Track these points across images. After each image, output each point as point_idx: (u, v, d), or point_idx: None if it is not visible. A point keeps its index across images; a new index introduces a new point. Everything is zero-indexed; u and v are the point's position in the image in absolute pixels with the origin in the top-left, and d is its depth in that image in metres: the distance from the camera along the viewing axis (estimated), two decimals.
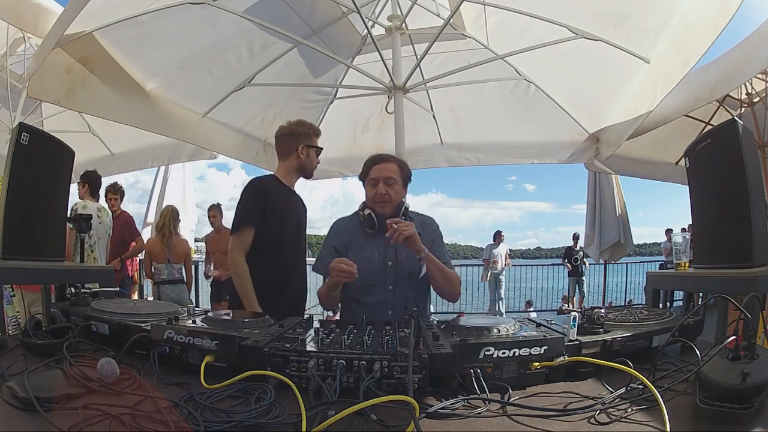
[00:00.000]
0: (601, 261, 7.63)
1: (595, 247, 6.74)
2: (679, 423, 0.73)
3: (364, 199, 1.86)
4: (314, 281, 2.16)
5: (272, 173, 2.15)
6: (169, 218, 4.40)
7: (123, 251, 4.27)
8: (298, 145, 2.06)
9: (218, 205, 4.95)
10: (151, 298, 5.01)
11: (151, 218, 6.23)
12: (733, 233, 1.32)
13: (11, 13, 3.08)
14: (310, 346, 0.97)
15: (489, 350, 0.95)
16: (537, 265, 10.77)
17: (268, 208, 1.95)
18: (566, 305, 8.29)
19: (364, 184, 1.85)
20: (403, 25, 3.06)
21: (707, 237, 1.51)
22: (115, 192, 4.36)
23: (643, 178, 4.95)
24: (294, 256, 2.08)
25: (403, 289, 1.74)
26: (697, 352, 0.95)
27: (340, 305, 1.86)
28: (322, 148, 2.13)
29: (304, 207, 2.19)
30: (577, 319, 1.07)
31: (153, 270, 4.41)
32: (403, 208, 1.77)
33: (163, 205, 5.32)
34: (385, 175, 1.77)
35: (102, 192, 4.18)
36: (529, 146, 3.80)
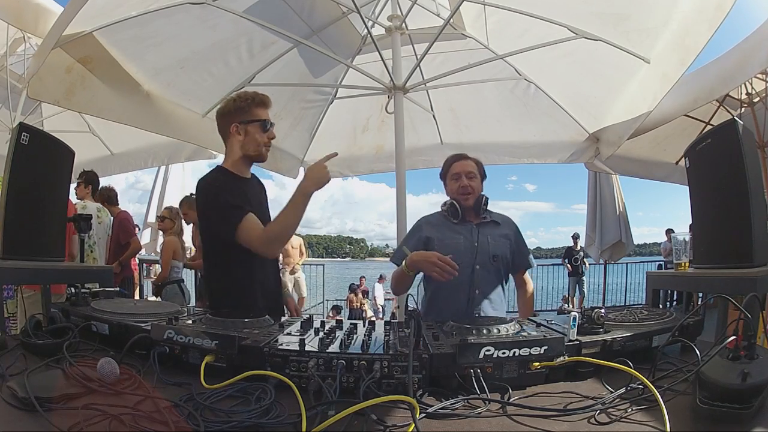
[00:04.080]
0: (601, 261, 7.63)
1: (596, 247, 6.74)
2: (679, 423, 0.73)
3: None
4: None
5: (219, 165, 1.79)
6: (177, 220, 4.33)
7: (121, 251, 4.25)
8: (230, 125, 1.70)
9: (191, 196, 4.55)
10: (152, 298, 4.99)
11: (151, 218, 6.22)
12: (733, 233, 1.32)
13: (11, 13, 3.08)
14: (310, 346, 0.97)
15: (489, 350, 0.95)
16: (537, 265, 10.74)
17: (223, 204, 1.63)
18: (566, 305, 8.29)
19: (445, 182, 2.00)
20: (403, 25, 3.06)
21: (707, 237, 1.51)
22: (111, 201, 4.27)
23: (643, 178, 4.95)
24: None
25: (487, 271, 1.87)
26: (697, 352, 0.95)
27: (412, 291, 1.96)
28: (266, 120, 1.70)
29: (262, 188, 1.87)
30: (577, 319, 1.07)
31: (172, 268, 4.28)
32: (484, 198, 1.93)
33: (164, 206, 5.28)
34: (467, 169, 1.94)
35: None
36: (529, 146, 3.80)
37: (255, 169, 1.82)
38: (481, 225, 1.95)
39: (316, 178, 1.56)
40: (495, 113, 3.76)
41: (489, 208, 1.99)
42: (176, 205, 4.69)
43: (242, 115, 1.69)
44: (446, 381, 0.94)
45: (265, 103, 1.71)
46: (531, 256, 2.03)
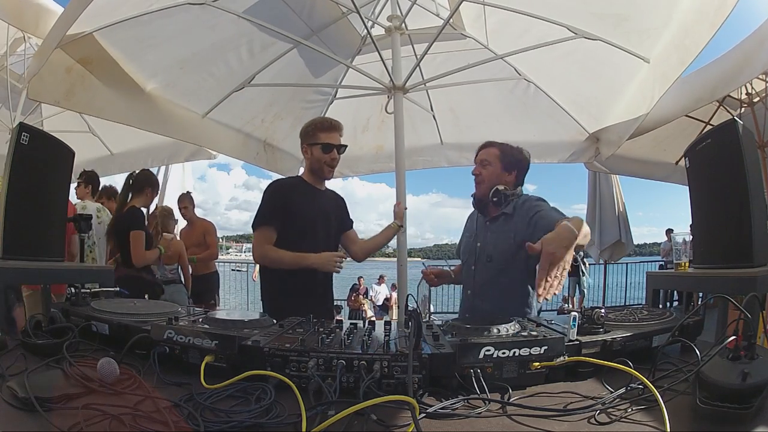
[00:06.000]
0: (601, 261, 7.63)
1: (596, 247, 6.73)
2: (679, 423, 0.73)
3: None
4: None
5: (299, 175, 2.20)
6: (159, 219, 4.33)
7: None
8: (302, 146, 2.10)
9: (188, 194, 4.68)
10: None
11: None
12: (733, 233, 1.32)
13: (11, 13, 3.08)
14: (310, 346, 0.97)
15: (489, 350, 0.95)
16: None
17: (288, 207, 1.95)
18: (566, 305, 8.28)
19: None
20: (403, 25, 3.06)
21: (707, 237, 1.51)
22: (109, 197, 4.29)
23: (643, 178, 4.95)
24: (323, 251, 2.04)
25: (482, 272, 1.80)
26: (697, 352, 0.95)
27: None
28: (328, 143, 2.01)
29: (338, 202, 2.18)
30: (577, 319, 1.07)
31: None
32: (494, 189, 1.78)
33: (163, 205, 5.28)
34: (482, 157, 1.88)
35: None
36: (529, 146, 3.76)
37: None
38: (492, 220, 1.81)
39: (324, 264, 1.89)
40: (495, 113, 3.75)
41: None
42: (174, 204, 4.69)
43: (309, 138, 2.04)
44: (446, 381, 0.94)
45: (328, 127, 2.02)
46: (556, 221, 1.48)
